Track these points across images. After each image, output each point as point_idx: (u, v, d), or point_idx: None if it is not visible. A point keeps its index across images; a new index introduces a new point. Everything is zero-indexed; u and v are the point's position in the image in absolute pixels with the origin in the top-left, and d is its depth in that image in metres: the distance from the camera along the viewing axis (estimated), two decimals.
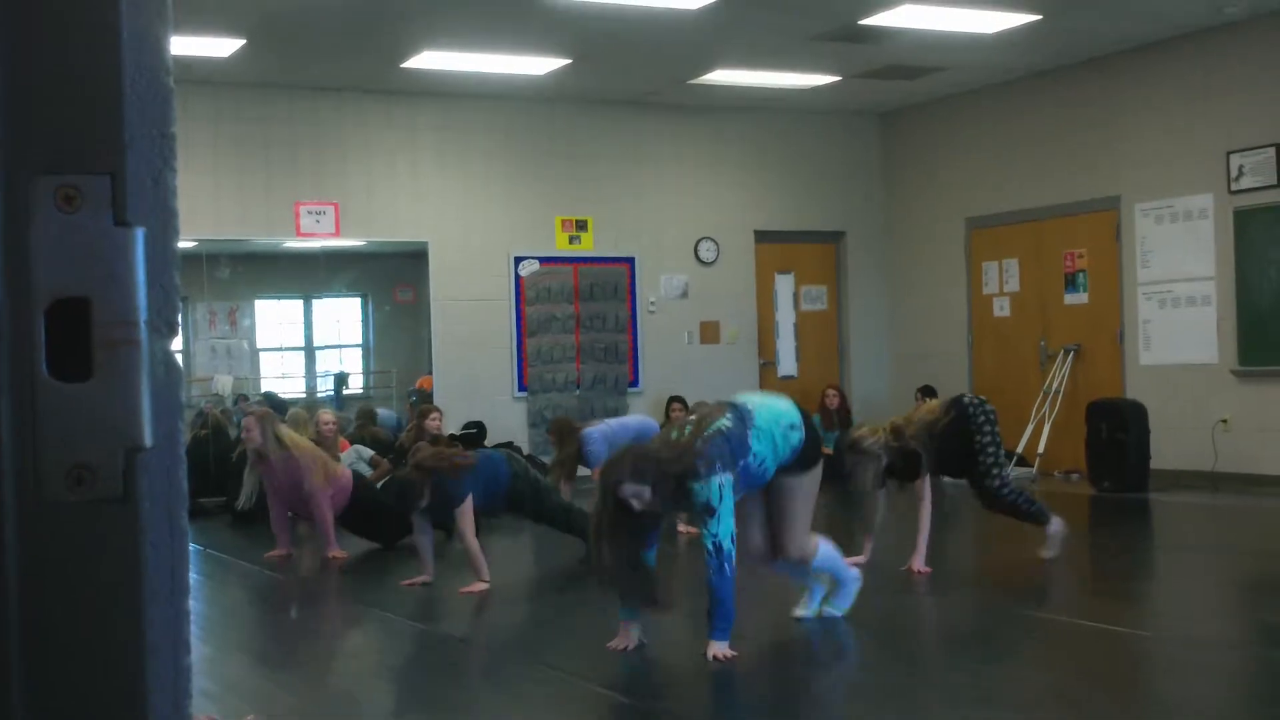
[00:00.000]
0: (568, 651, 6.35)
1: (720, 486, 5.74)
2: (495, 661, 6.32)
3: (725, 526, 5.73)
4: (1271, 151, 11.36)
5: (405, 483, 7.87)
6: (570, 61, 12.03)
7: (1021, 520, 7.94)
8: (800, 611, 6.56)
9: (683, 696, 5.49)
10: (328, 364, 15.04)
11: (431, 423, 11.79)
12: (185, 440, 0.95)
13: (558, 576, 8.75)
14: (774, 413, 6.07)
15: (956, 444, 7.82)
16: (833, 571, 6.45)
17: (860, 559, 7.91)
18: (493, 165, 13.54)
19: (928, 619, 7.01)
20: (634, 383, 13.92)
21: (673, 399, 12.87)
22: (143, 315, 0.89)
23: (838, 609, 6.48)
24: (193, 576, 8.26)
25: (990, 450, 7.84)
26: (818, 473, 6.27)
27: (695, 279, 14.33)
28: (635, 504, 5.68)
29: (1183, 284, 12.14)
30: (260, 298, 14.52)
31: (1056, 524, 7.93)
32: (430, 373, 13.37)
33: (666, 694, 5.49)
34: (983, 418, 7.90)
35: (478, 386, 13.35)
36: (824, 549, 6.37)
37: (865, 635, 6.56)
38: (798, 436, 6.07)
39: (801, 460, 6.13)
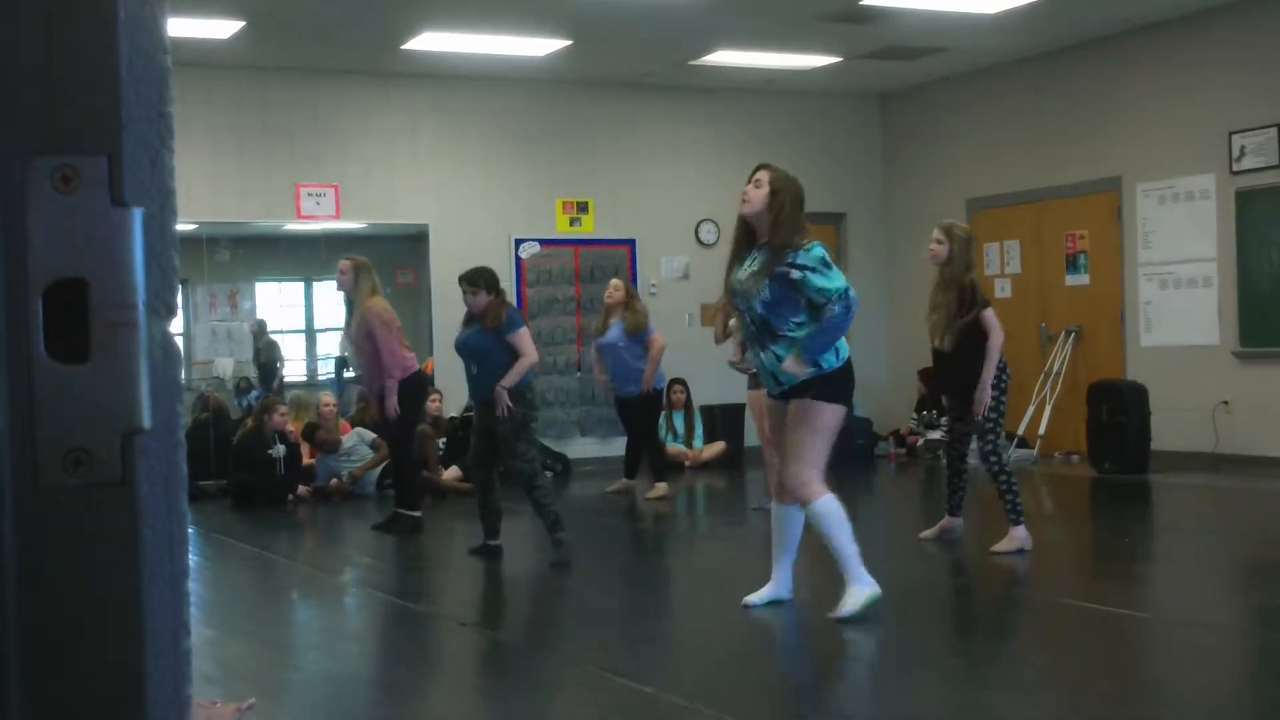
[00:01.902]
0: (569, 634, 6.36)
1: (824, 252, 5.95)
2: (495, 644, 6.33)
3: (840, 279, 5.91)
4: (1273, 132, 11.33)
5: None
6: (570, 43, 12.01)
7: (1000, 498, 7.89)
8: (750, 598, 6.39)
9: (680, 678, 5.50)
10: (328, 347, 15.03)
11: (431, 404, 11.81)
12: (185, 423, 0.95)
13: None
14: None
15: (967, 365, 7.83)
16: (835, 550, 6.13)
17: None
18: (493, 147, 13.52)
19: (926, 601, 7.01)
20: None
21: (674, 381, 12.87)
22: (141, 297, 0.88)
23: (849, 609, 6.04)
24: (193, 559, 8.28)
25: (993, 412, 7.84)
26: (837, 414, 6.06)
27: (696, 261, 14.31)
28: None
29: (1184, 265, 12.12)
30: (261, 280, 14.51)
31: (1023, 533, 7.77)
32: (431, 355, 13.36)
33: (666, 678, 5.50)
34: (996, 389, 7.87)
35: None
36: (829, 505, 6.04)
37: (861, 618, 6.56)
38: (836, 355, 6.02)
39: (828, 386, 6.02)
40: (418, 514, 9.54)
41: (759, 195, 6.20)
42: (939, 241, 7.99)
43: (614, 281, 11.45)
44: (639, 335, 10.99)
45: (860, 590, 6.06)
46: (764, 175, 6.25)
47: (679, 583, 8.15)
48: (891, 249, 15.11)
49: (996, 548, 7.79)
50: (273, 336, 14.23)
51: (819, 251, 5.99)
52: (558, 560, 7.88)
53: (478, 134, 13.46)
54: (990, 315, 7.84)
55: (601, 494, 11.41)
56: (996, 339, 7.80)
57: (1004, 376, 7.94)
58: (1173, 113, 12.12)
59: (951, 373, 8.04)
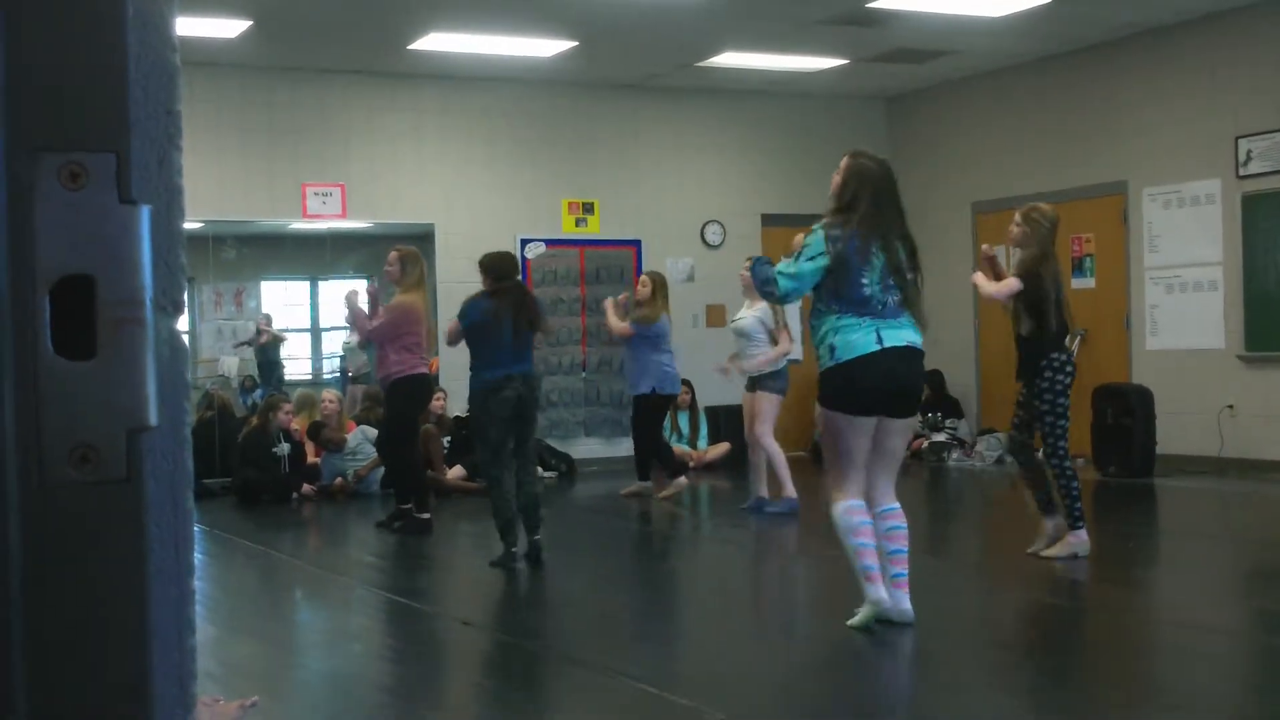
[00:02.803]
0: (573, 634, 6.35)
1: (818, 243, 5.82)
2: (499, 644, 6.33)
3: (785, 269, 5.84)
4: None
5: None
6: (577, 44, 12.00)
7: (1060, 499, 7.65)
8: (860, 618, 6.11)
9: (684, 678, 5.50)
10: (333, 346, 15.05)
11: (436, 403, 11.82)
12: (191, 421, 0.95)
13: (563, 559, 8.76)
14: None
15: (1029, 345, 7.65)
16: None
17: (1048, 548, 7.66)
18: (499, 147, 13.52)
19: (931, 604, 7.00)
20: None
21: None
22: (148, 294, 0.88)
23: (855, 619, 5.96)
24: (198, 557, 8.27)
25: (1046, 410, 7.56)
26: (830, 418, 5.93)
27: (701, 262, 14.31)
28: None
29: (1190, 269, 12.11)
30: (266, 279, 14.52)
31: (1082, 537, 7.55)
32: (436, 354, 13.37)
33: (670, 678, 5.49)
34: (1045, 383, 7.57)
35: None
36: (837, 513, 5.91)
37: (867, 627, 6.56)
38: (830, 355, 5.89)
39: (820, 388, 5.97)
40: (426, 515, 9.52)
41: (835, 184, 6.10)
42: (1016, 225, 7.82)
43: (643, 276, 11.45)
44: (648, 329, 10.89)
45: (865, 606, 5.94)
46: (844, 162, 6.14)
47: (683, 583, 8.15)
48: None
49: (1048, 550, 7.56)
50: (277, 333, 14.27)
51: (810, 238, 5.91)
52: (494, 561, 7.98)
53: (484, 134, 13.47)
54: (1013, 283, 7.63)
55: (607, 495, 11.40)
56: (1000, 288, 7.64)
57: (1060, 376, 7.63)
58: (1179, 117, 12.11)
59: (1021, 355, 7.78)
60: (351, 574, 8.44)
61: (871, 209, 5.91)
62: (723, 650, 6.05)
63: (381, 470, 11.71)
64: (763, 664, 5.88)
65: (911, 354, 5.88)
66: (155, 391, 0.89)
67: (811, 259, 5.83)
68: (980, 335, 14.19)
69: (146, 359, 0.88)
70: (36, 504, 0.85)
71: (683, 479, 11.16)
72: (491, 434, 7.99)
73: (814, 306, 5.98)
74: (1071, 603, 6.72)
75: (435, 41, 11.77)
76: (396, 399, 9.54)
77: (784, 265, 5.91)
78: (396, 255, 9.60)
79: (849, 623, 5.95)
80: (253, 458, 11.47)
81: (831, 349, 5.84)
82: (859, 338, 5.79)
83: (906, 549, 5.91)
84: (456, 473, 11.81)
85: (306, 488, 11.54)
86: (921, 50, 12.77)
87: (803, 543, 9.06)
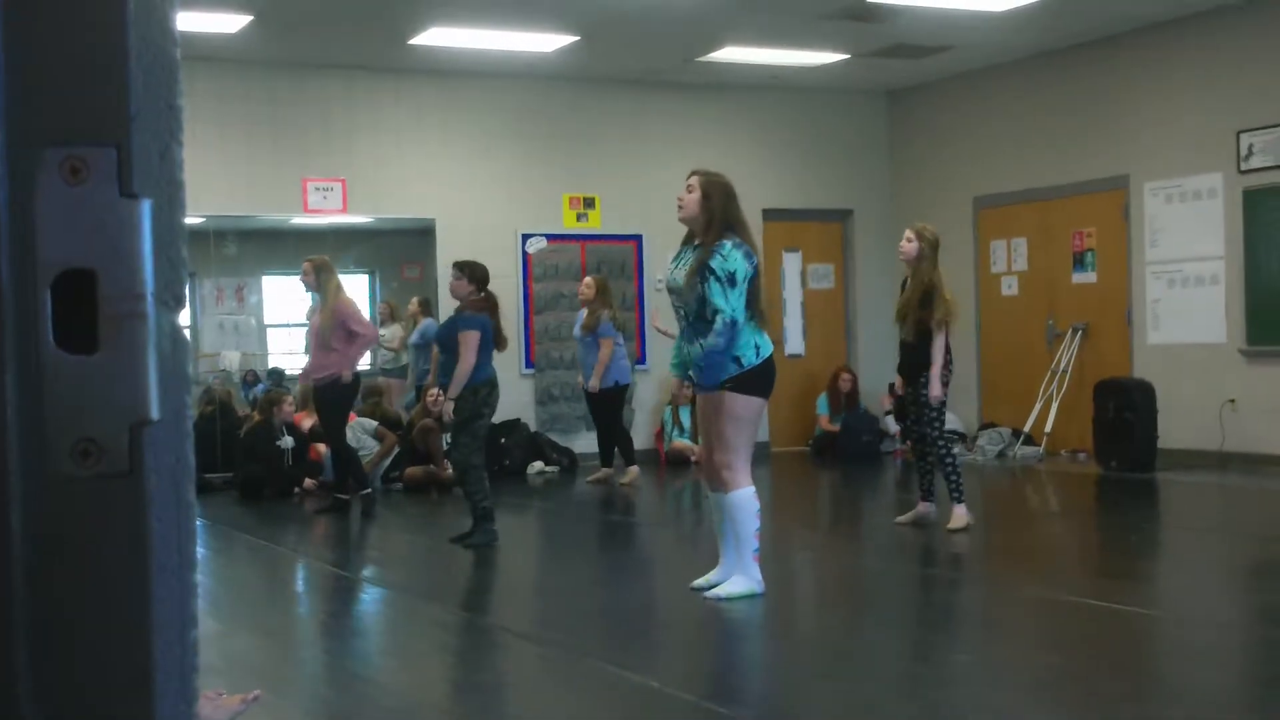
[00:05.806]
0: (573, 628, 6.36)
1: (742, 265, 6.32)
2: (501, 638, 6.34)
3: (734, 300, 6.25)
4: None
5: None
6: (578, 39, 12.00)
7: (946, 482, 8.35)
8: (699, 582, 6.65)
9: (680, 671, 5.50)
10: None
11: (432, 398, 11.83)
12: (193, 415, 0.95)
13: (565, 555, 8.77)
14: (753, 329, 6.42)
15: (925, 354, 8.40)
16: (738, 537, 6.42)
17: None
18: (500, 142, 13.51)
19: (934, 599, 7.00)
20: (641, 360, 13.90)
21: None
22: (149, 288, 0.88)
23: (726, 592, 6.43)
24: (200, 551, 8.29)
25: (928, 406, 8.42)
26: (750, 405, 6.39)
27: None
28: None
29: (1191, 263, 12.11)
30: (267, 274, 14.52)
31: (961, 511, 8.27)
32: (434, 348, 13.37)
33: (669, 671, 5.50)
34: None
35: None
36: (746, 497, 6.38)
37: (870, 615, 6.57)
38: (756, 354, 6.35)
39: (744, 381, 6.36)
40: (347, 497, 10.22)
41: (692, 200, 6.68)
42: (909, 240, 8.70)
43: (586, 280, 11.93)
44: (592, 333, 11.55)
45: (744, 581, 6.42)
46: (695, 180, 6.72)
47: (682, 578, 8.14)
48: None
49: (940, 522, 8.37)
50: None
51: (733, 265, 6.35)
52: (470, 541, 8.27)
53: (485, 129, 13.46)
54: (940, 335, 8.43)
55: (608, 489, 11.41)
56: (938, 343, 8.42)
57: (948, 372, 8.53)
58: (1181, 111, 12.10)
59: (912, 360, 8.57)
60: (354, 568, 8.44)
61: (743, 222, 6.66)
62: (723, 644, 6.05)
63: (385, 464, 11.73)
64: (762, 657, 5.88)
65: None
66: (157, 385, 0.89)
67: (740, 282, 6.37)
68: (981, 330, 14.19)
69: (148, 353, 0.88)
70: (39, 498, 0.85)
71: (635, 469, 11.76)
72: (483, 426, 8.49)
73: (727, 319, 6.28)
74: (1074, 597, 6.73)
75: (437, 36, 11.76)
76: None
77: (725, 302, 6.30)
78: (311, 266, 10.36)
79: (723, 595, 6.39)
80: (255, 452, 11.48)
81: (756, 348, 6.38)
82: (766, 339, 6.47)
83: None
84: None
85: (309, 482, 11.54)
86: (923, 45, 12.76)
87: (798, 536, 9.07)
